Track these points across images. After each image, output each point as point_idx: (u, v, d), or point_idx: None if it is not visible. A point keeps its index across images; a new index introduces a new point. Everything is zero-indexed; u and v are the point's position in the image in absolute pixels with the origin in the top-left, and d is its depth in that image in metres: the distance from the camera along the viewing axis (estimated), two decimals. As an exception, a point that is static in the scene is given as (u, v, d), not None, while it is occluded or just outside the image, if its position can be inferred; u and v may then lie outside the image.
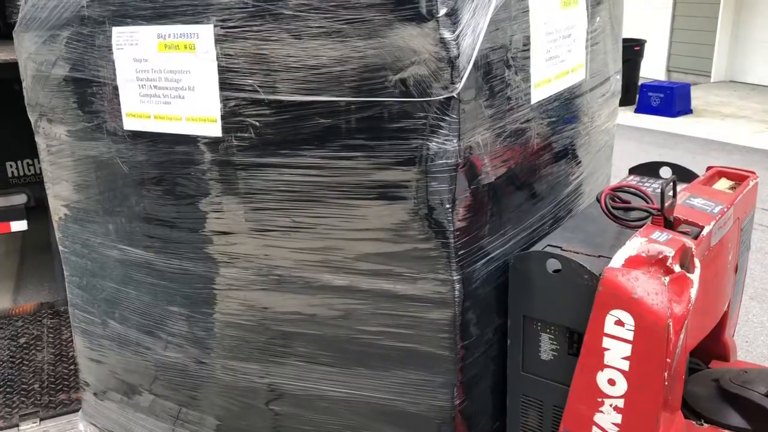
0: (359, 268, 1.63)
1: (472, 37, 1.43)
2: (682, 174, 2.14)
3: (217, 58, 1.62)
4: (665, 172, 2.21)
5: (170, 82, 1.72)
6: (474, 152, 1.52)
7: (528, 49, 1.65)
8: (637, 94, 8.94)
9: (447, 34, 1.39)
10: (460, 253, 1.55)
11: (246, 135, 1.65)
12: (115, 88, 1.83)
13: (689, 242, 1.62)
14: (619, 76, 2.30)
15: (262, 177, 1.66)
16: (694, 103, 8.90)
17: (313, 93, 1.54)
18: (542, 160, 1.83)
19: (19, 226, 3.27)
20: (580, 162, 2.07)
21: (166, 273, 1.95)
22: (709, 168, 2.18)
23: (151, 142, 1.81)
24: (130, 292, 2.07)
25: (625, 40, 9.09)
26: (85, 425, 2.50)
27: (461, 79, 1.43)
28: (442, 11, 1.38)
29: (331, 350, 1.76)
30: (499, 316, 1.74)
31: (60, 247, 2.24)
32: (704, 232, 1.69)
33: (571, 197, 2.05)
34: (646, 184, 2.12)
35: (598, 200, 1.82)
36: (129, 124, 1.83)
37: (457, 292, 1.57)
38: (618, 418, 1.61)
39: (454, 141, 1.46)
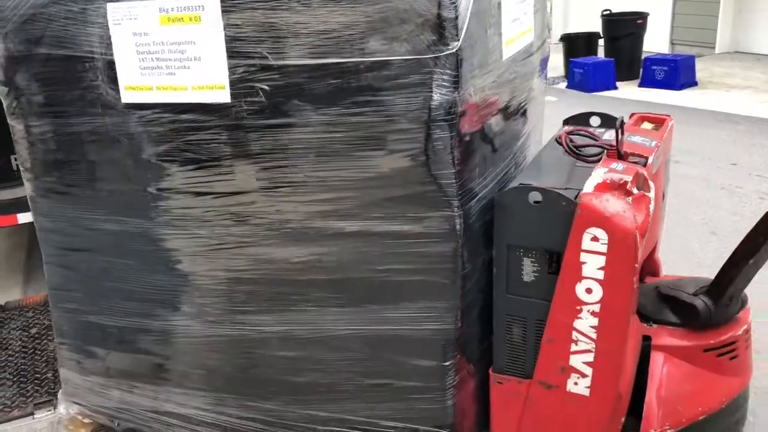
0: (369, 213, 1.79)
1: (465, 1, 1.62)
2: (609, 121, 2.46)
3: (224, 29, 1.72)
4: (594, 121, 2.52)
5: (174, 54, 1.79)
6: (468, 103, 1.72)
7: (500, 12, 1.86)
8: (641, 68, 8.76)
9: (455, -8, 1.58)
10: (459, 192, 1.75)
11: (256, 99, 1.76)
12: (111, 62, 1.86)
13: (641, 169, 1.92)
14: (549, 40, 2.57)
15: (273, 137, 1.78)
16: (699, 75, 8.66)
17: (323, 56, 1.68)
18: (509, 111, 2.06)
19: (26, 218, 3.25)
20: (529, 114, 2.33)
21: (171, 238, 2.01)
22: (632, 115, 2.51)
23: (154, 112, 1.87)
24: (128, 263, 2.11)
25: (627, 14, 8.77)
26: (67, 405, 2.49)
27: (460, 37, 1.62)
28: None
29: (344, 292, 1.91)
30: (485, 249, 1.96)
31: (38, 228, 2.22)
32: (649, 161, 2.00)
33: (525, 145, 2.31)
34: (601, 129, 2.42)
35: (559, 142, 2.08)
36: (128, 96, 1.87)
37: (458, 227, 1.77)
38: (595, 321, 1.89)
39: (455, 93, 1.66)
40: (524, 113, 2.26)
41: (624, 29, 9.10)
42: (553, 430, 2.09)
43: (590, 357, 1.93)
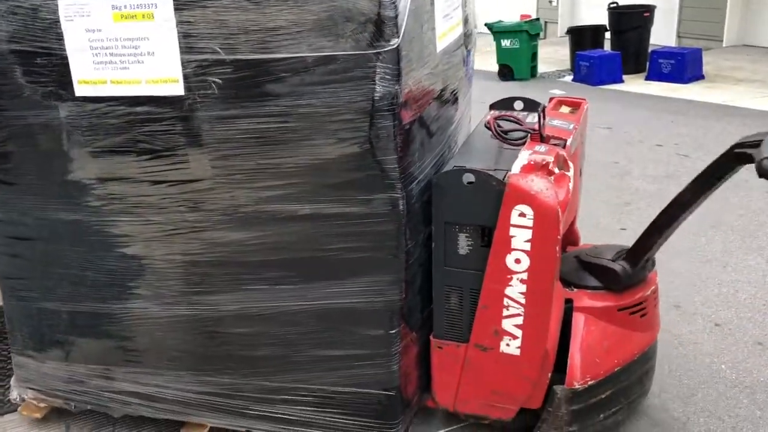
0: (319, 197, 1.92)
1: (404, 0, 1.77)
2: (531, 105, 2.67)
3: (177, 25, 1.80)
4: (518, 105, 2.72)
5: (128, 49, 1.85)
6: (408, 93, 1.87)
7: (432, 9, 2.01)
8: (648, 61, 8.64)
9: (396, -3, 1.71)
10: (401, 176, 1.91)
11: (209, 92, 1.85)
12: (64, 57, 1.90)
13: (561, 151, 2.12)
14: (475, 30, 2.74)
15: (226, 128, 1.88)
16: (706, 68, 8.52)
17: (273, 52, 1.79)
18: (443, 99, 2.22)
19: None
20: (460, 101, 2.50)
21: (126, 225, 2.08)
22: (551, 99, 2.73)
23: (108, 105, 1.93)
24: (82, 250, 2.16)
25: (634, 7, 8.56)
26: (21, 391, 2.52)
27: (400, 34, 1.76)
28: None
29: (295, 270, 2.04)
30: (424, 226, 2.12)
31: (-11, 220, 2.24)
32: (568, 143, 2.21)
33: (457, 129, 2.48)
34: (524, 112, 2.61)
35: (488, 128, 2.27)
36: (82, 90, 1.92)
37: (401, 207, 1.93)
38: (523, 288, 2.09)
39: (396, 85, 1.80)
40: (456, 100, 2.43)
41: (631, 22, 8.96)
42: (489, 387, 2.29)
43: (520, 320, 2.14)
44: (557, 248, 2.02)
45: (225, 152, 1.91)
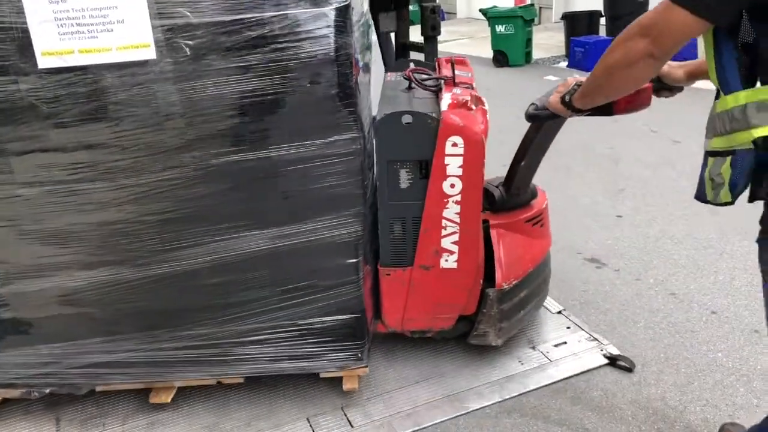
0: (289, 140, 2.12)
1: (351, -38, 2.03)
2: (424, 66, 3.03)
3: (146, -7, 1.90)
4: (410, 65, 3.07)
5: (96, 19, 1.91)
6: (355, 45, 2.13)
7: (361, -25, 2.29)
8: None
9: (342, -40, 1.96)
10: (359, 118, 2.17)
11: (181, 54, 1.97)
12: (25, 29, 1.91)
13: (474, 91, 2.50)
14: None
15: (197, 87, 2.01)
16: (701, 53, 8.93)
17: (240, 12, 1.96)
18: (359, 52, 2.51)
19: None
20: (371, 68, 2.79)
21: (92, 192, 2.12)
22: (437, 59, 3.12)
23: (75, 75, 1.96)
24: (44, 224, 2.16)
25: None
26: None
27: (350, -8, 2.02)
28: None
29: (265, 216, 2.21)
30: (368, 168, 2.40)
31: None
32: (474, 86, 2.60)
33: (369, 90, 2.77)
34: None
35: (408, 79, 2.60)
36: (46, 62, 1.94)
37: (361, 145, 2.19)
38: (458, 208, 2.44)
39: (349, 37, 2.06)
40: (368, 67, 2.72)
41: (626, 8, 8.82)
42: (433, 302, 2.63)
43: (456, 237, 2.49)
44: (482, 170, 2.41)
45: (197, 111, 2.04)
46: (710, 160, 1.66)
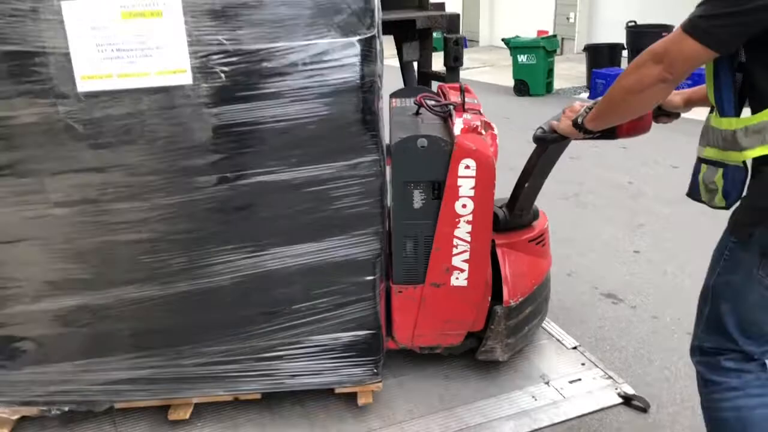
0: (314, 162, 2.22)
1: (375, -5, 2.15)
2: (428, 92, 3.17)
3: (185, 21, 1.99)
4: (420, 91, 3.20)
5: (135, 44, 1.99)
6: (380, 73, 2.25)
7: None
8: None
9: (369, -8, 2.09)
10: (380, 142, 2.28)
11: (215, 79, 2.06)
12: (66, 54, 1.98)
13: (483, 117, 2.64)
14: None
15: (231, 111, 2.10)
16: None
17: (274, 40, 2.06)
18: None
19: None
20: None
21: (125, 212, 2.18)
22: (440, 86, 3.26)
23: (112, 98, 2.04)
24: (75, 243, 2.20)
25: (652, 26, 8.56)
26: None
27: (376, 23, 2.14)
28: (365, -22, 2.07)
29: (290, 234, 2.29)
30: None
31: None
32: (482, 111, 2.74)
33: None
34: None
35: (420, 105, 2.72)
36: (85, 85, 2.01)
37: (381, 167, 2.30)
38: (469, 227, 2.56)
39: (375, 65, 2.18)
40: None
41: (649, 41, 8.36)
42: (442, 318, 2.73)
43: (467, 255, 2.60)
44: (493, 191, 2.53)
45: (228, 134, 2.13)
46: (703, 166, 1.80)
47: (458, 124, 2.53)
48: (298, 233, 2.32)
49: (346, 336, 2.49)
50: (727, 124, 1.69)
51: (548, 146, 2.52)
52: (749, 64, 1.66)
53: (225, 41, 2.04)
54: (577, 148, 6.18)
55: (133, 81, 2.03)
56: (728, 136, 1.68)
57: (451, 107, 2.71)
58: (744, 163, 1.70)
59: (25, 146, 2.09)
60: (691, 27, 1.60)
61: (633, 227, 4.71)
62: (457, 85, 3.22)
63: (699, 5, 1.62)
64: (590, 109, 2.05)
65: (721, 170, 1.74)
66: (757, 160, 1.67)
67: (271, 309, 2.40)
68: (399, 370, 2.93)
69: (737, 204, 1.75)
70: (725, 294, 1.80)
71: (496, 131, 2.58)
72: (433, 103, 2.71)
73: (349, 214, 2.32)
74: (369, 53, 2.14)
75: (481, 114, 2.71)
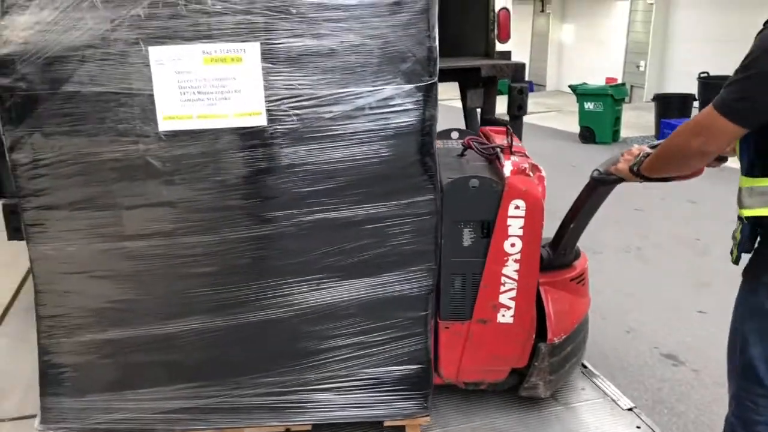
0: (374, 200, 2.33)
1: (436, 44, 2.29)
2: (465, 134, 3.30)
3: (263, 68, 2.14)
4: (454, 134, 3.34)
5: (215, 88, 2.13)
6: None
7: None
8: None
9: (433, 43, 2.23)
10: (436, 182, 2.40)
11: (288, 121, 2.19)
12: (150, 96, 2.12)
13: (531, 160, 2.76)
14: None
15: (302, 150, 2.23)
16: None
17: (343, 86, 2.20)
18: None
19: None
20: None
21: (196, 246, 2.29)
22: (481, 129, 3.39)
23: (191, 137, 2.17)
24: (144, 275, 2.31)
25: (726, 77, 9.14)
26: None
27: (436, 72, 2.28)
28: (434, 32, 2.21)
29: (348, 269, 2.39)
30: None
31: (36, 256, 2.28)
32: (527, 153, 2.86)
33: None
34: (460, 140, 3.21)
35: (469, 147, 2.85)
36: (166, 125, 2.14)
37: (437, 206, 2.41)
38: (517, 266, 2.65)
39: (434, 110, 2.31)
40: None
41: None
42: (488, 354, 2.80)
43: (513, 293, 2.69)
44: (541, 231, 2.63)
45: (298, 172, 2.25)
46: (737, 221, 1.99)
47: (507, 166, 2.64)
48: (355, 268, 2.42)
49: (397, 370, 2.56)
50: (741, 182, 1.90)
51: (595, 189, 2.63)
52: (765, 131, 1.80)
53: (299, 85, 2.17)
54: (642, 199, 6.39)
55: (212, 122, 2.16)
56: (738, 193, 1.89)
57: (498, 149, 2.84)
58: (748, 218, 1.85)
59: (105, 181, 2.21)
60: (723, 107, 1.77)
61: (698, 286, 4.53)
62: (500, 128, 3.37)
63: (727, 85, 1.79)
64: (647, 155, 2.17)
65: (740, 225, 1.94)
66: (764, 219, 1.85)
67: (326, 342, 2.49)
68: (444, 406, 2.98)
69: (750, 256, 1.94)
70: (750, 340, 1.93)
71: (543, 173, 2.70)
72: (481, 145, 2.84)
73: (404, 251, 2.43)
74: (429, 98, 2.28)
75: (527, 156, 2.83)
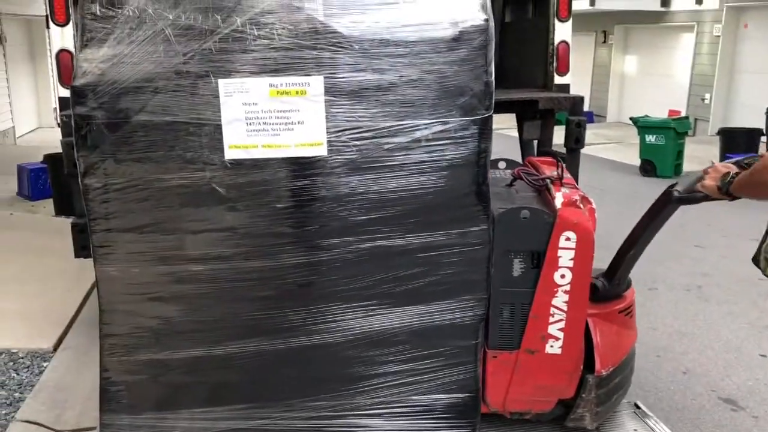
0: (429, 230, 2.39)
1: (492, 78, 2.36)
2: (512, 164, 3.36)
3: (325, 100, 2.23)
4: (501, 164, 3.39)
5: (280, 119, 2.23)
6: (490, 149, 2.45)
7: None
8: None
9: (490, 77, 2.30)
10: (490, 212, 2.46)
11: (347, 152, 2.28)
12: (218, 126, 2.23)
13: (581, 192, 2.80)
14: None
15: (361, 180, 2.30)
16: None
17: (402, 118, 2.28)
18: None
19: None
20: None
21: (254, 271, 2.37)
22: (528, 159, 3.44)
23: (255, 166, 2.26)
24: (206, 298, 2.40)
25: None
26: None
27: (492, 105, 2.35)
28: (490, 67, 2.29)
29: (401, 296, 2.45)
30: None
31: (103, 277, 2.39)
32: (577, 185, 2.90)
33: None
34: (507, 170, 3.27)
35: (519, 177, 2.90)
36: (232, 154, 2.24)
37: (489, 236, 2.47)
38: (566, 297, 2.68)
39: (489, 142, 2.37)
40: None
41: None
42: (535, 384, 2.82)
43: (562, 324, 2.72)
44: (591, 263, 2.66)
45: (356, 200, 2.32)
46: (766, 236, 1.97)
47: (558, 198, 2.69)
48: (407, 296, 2.48)
49: (446, 397, 2.60)
50: None
51: (659, 214, 2.64)
52: None
53: (359, 117, 2.26)
54: (703, 236, 6.36)
55: (275, 151, 2.26)
56: None
57: (548, 181, 2.88)
58: None
59: (172, 206, 2.31)
60: None
61: (760, 328, 4.41)
62: (548, 159, 3.41)
63: None
64: (737, 174, 2.16)
65: None
66: None
67: (377, 368, 2.54)
68: (489, 434, 3.00)
69: None
70: None
71: (594, 206, 2.74)
72: (530, 176, 2.89)
73: (456, 280, 2.48)
74: (485, 131, 2.34)
75: (577, 188, 2.87)
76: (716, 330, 4.45)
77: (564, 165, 3.23)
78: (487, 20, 2.26)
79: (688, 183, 2.43)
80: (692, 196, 2.42)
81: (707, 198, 2.35)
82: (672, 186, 2.61)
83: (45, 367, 3.77)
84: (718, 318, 4.67)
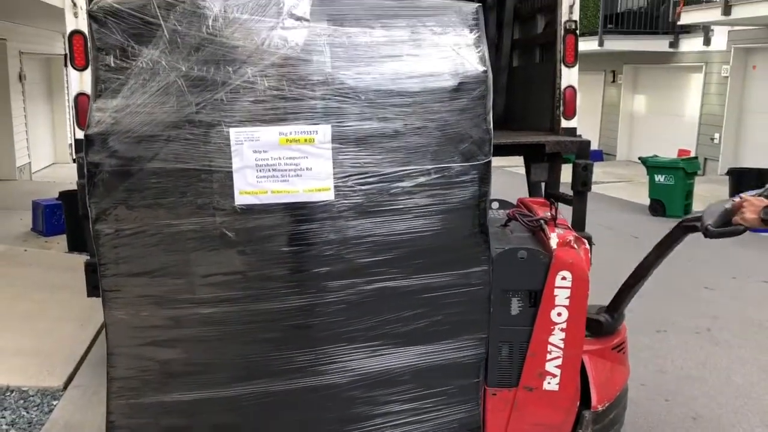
0: (431, 271, 2.48)
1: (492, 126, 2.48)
2: (506, 204, 3.48)
3: (333, 148, 2.33)
4: (495, 204, 3.51)
5: (289, 166, 2.32)
6: (489, 192, 2.56)
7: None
8: None
9: (489, 125, 2.42)
10: (490, 253, 2.56)
11: (354, 196, 2.37)
12: (229, 173, 2.31)
13: (574, 233, 2.92)
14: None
15: (366, 224, 2.39)
16: None
17: (406, 164, 2.39)
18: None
19: None
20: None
21: (263, 313, 2.43)
22: (520, 200, 3.56)
23: (265, 211, 2.34)
24: (213, 341, 2.45)
25: None
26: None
27: (491, 151, 2.47)
28: (489, 115, 2.41)
29: (402, 335, 2.53)
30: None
31: (112, 321, 2.43)
32: (570, 226, 3.02)
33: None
34: (500, 210, 3.38)
35: (514, 218, 3.02)
36: (242, 199, 2.32)
37: (489, 277, 2.56)
38: (563, 335, 2.77)
39: (488, 186, 2.49)
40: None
41: None
42: (533, 421, 2.89)
43: (559, 361, 2.80)
44: (587, 301, 2.77)
45: (361, 243, 2.41)
46: None
47: (553, 238, 2.80)
48: (410, 336, 2.55)
49: (448, 436, 2.66)
50: None
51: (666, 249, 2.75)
52: None
53: (364, 163, 2.36)
54: (713, 278, 6.33)
55: (284, 197, 2.34)
56: None
57: (542, 222, 3.00)
58: None
59: (182, 251, 2.37)
60: None
61: None
62: (540, 200, 3.54)
63: None
64: None
65: None
66: None
67: (381, 407, 2.59)
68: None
69: None
70: None
71: (587, 246, 2.85)
72: (525, 217, 3.00)
73: (458, 320, 2.56)
74: (484, 175, 2.46)
75: (570, 229, 2.99)
76: (726, 375, 4.44)
77: (557, 206, 3.36)
78: (485, 72, 2.40)
79: (716, 217, 2.49)
80: (729, 230, 2.48)
81: (745, 230, 2.43)
82: (684, 221, 2.73)
83: (54, 406, 3.78)
84: (728, 363, 4.66)
